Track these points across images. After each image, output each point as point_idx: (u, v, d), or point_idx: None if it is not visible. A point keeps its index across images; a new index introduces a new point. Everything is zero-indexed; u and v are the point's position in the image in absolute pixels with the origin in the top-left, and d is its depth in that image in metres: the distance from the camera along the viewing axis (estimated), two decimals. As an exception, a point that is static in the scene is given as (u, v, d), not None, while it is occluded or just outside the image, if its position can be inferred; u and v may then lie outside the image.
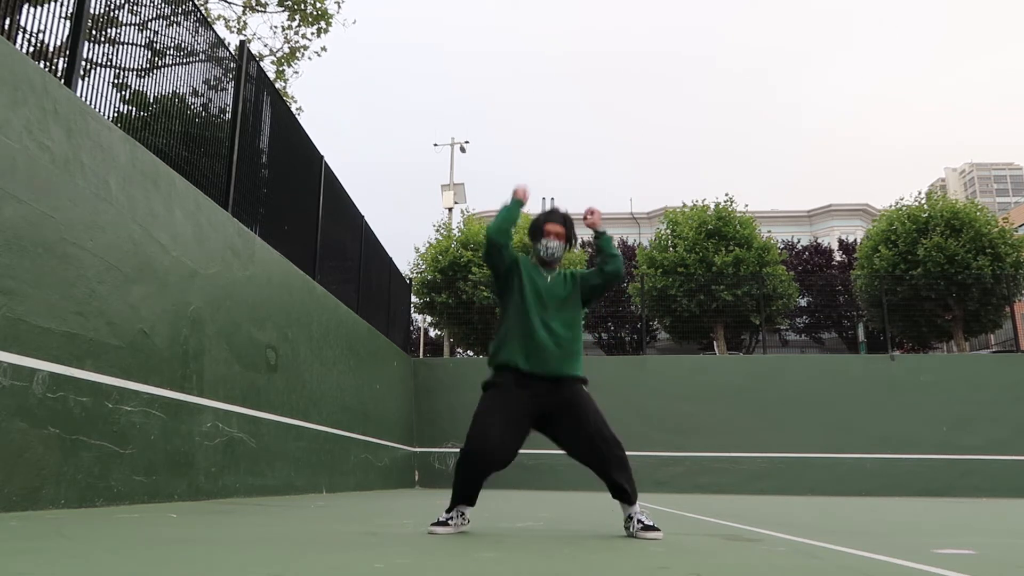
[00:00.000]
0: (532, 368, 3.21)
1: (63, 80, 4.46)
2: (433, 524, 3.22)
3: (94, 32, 4.89)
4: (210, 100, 6.57)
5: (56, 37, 4.54)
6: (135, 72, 5.39)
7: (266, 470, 6.82)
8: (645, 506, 3.02)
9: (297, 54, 13.90)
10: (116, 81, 5.17)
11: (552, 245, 3.36)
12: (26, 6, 4.61)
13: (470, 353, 21.96)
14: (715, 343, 19.65)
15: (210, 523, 3.49)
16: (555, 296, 3.34)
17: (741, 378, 14.87)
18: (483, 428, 3.13)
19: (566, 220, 3.44)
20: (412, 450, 13.98)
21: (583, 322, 3.48)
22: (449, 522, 3.22)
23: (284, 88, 14.00)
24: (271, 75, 13.21)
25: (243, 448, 6.32)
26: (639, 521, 3.16)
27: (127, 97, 5.40)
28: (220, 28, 13.49)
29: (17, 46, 4.49)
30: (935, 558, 2.56)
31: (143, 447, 4.75)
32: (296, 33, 13.70)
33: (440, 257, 19.01)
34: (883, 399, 14.26)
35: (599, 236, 3.46)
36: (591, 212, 3.43)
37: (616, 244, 3.53)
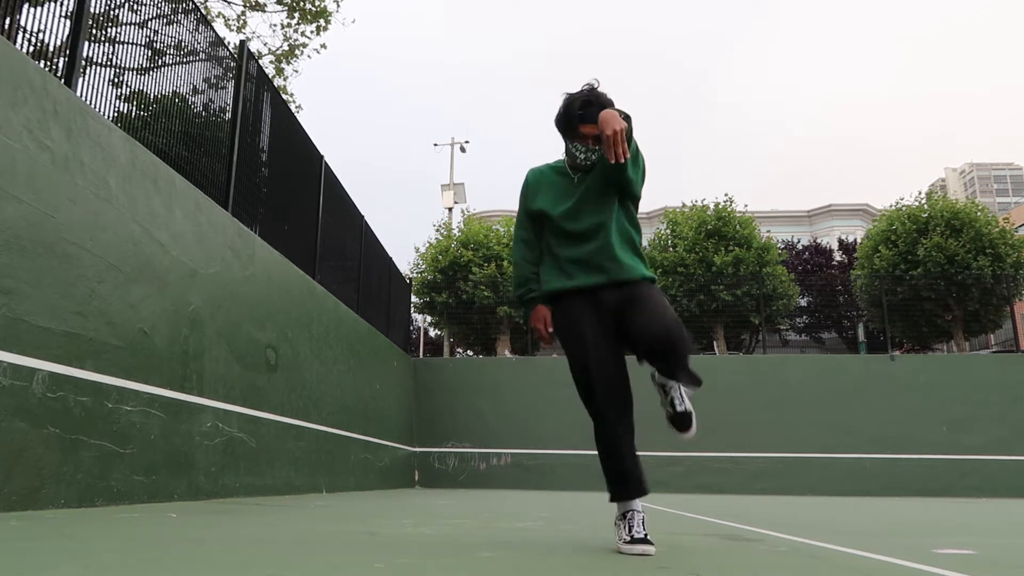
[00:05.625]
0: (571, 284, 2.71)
1: (63, 80, 4.46)
2: (625, 543, 2.44)
3: (94, 31, 4.89)
4: (210, 99, 6.57)
5: (56, 37, 4.54)
6: (135, 71, 5.39)
7: (266, 470, 6.82)
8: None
9: (296, 52, 13.91)
10: (116, 80, 5.17)
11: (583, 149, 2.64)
12: (26, 6, 4.61)
13: (470, 353, 21.96)
14: (715, 343, 19.66)
15: (210, 523, 3.49)
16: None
17: (741, 378, 14.86)
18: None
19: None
20: (412, 450, 13.97)
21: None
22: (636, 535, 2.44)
23: (284, 86, 14.02)
24: (270, 73, 13.22)
25: (243, 448, 6.32)
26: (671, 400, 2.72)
27: (127, 96, 5.40)
28: (220, 27, 13.50)
29: (17, 46, 4.49)
30: (935, 558, 2.56)
31: (143, 447, 4.75)
32: (295, 31, 13.72)
33: (440, 257, 19.04)
34: (883, 399, 14.25)
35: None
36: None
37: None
